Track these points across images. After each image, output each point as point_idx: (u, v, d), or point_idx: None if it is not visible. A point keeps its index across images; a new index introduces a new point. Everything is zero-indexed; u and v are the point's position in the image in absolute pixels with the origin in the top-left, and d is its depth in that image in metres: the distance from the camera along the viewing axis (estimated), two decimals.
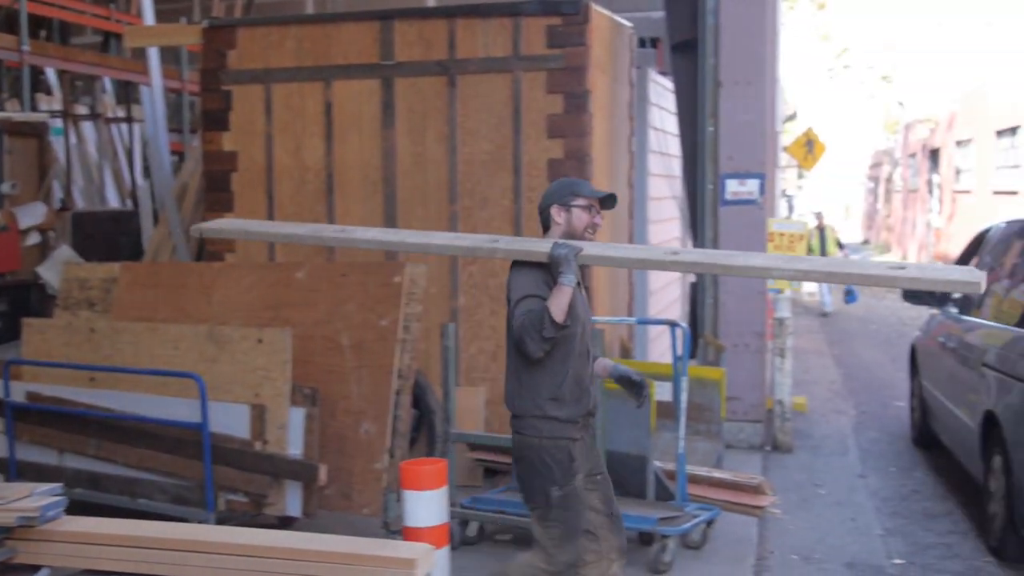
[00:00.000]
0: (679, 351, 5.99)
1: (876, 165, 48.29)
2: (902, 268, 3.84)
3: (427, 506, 4.10)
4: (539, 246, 4.12)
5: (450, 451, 5.99)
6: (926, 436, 8.68)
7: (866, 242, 49.76)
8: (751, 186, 8.39)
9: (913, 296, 8.47)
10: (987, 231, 8.03)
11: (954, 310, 7.87)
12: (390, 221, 7.24)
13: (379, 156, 7.32)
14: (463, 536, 5.95)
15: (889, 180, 43.65)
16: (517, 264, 4.15)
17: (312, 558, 2.67)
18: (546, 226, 4.28)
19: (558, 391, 4.06)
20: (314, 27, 7.52)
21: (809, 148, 19.20)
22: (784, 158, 20.84)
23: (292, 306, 6.04)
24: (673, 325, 6.10)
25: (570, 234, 4.18)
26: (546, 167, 7.07)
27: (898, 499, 7.33)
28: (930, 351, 8.42)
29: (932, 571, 5.86)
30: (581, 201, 4.19)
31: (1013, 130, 25.10)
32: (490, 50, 7.11)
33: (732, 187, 8.41)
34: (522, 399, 4.12)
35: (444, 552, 4.08)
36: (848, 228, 61.20)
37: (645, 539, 5.77)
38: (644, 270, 4.45)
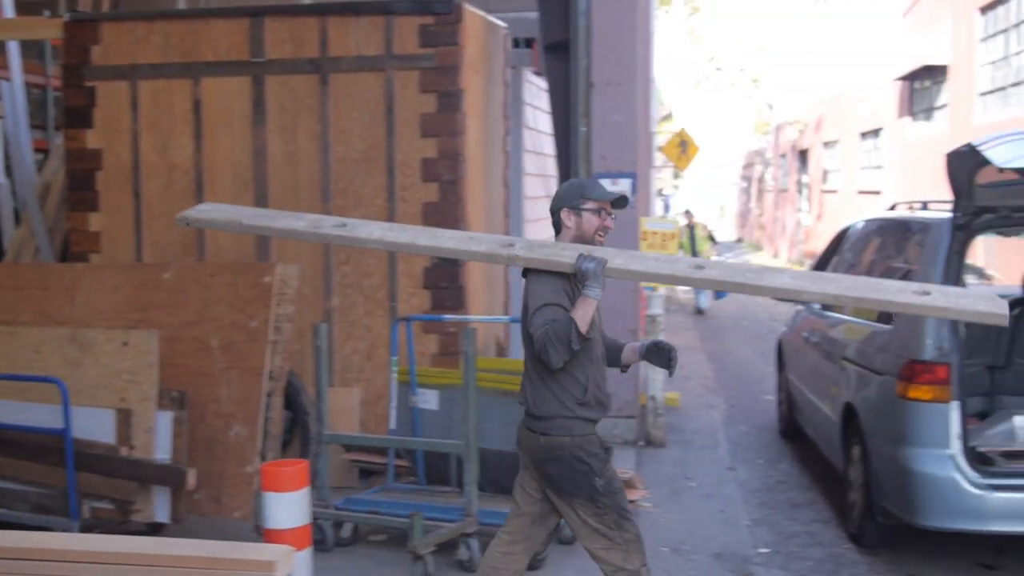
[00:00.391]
0: None
1: (749, 165, 49.59)
2: (927, 294, 3.81)
3: (288, 508, 4.06)
4: (560, 255, 4.02)
5: (323, 452, 5.94)
6: (792, 429, 8.95)
7: (740, 240, 51.08)
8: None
9: None
10: (847, 229, 8.33)
11: (817, 306, 8.13)
12: None
13: (250, 154, 7.22)
14: (337, 538, 5.91)
15: (761, 180, 44.89)
16: (534, 269, 4.11)
17: (168, 563, 2.62)
18: (557, 229, 4.25)
19: (584, 396, 4.09)
20: (182, 23, 7.38)
21: (683, 149, 19.60)
22: (659, 158, 21.22)
23: (159, 308, 5.93)
24: None
25: (581, 238, 4.17)
26: (420, 166, 7.08)
27: (765, 490, 7.54)
28: (795, 346, 8.68)
29: (795, 558, 6.05)
30: (591, 204, 4.17)
31: (876, 132, 26.06)
32: (363, 49, 7.08)
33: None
34: (547, 401, 4.12)
35: (306, 554, 4.05)
36: (722, 227, 62.73)
37: None
38: (669, 284, 4.39)
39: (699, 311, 19.69)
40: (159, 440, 5.47)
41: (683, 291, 22.45)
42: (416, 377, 6.39)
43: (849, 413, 6.48)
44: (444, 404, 6.31)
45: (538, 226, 10.64)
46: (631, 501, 6.03)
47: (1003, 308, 3.70)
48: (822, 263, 8.64)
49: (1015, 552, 6.10)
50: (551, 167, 9.62)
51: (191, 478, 5.37)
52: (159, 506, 5.50)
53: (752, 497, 7.35)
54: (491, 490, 6.03)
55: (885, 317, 6.17)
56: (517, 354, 9.39)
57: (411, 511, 5.41)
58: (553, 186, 9.75)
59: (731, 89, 30.21)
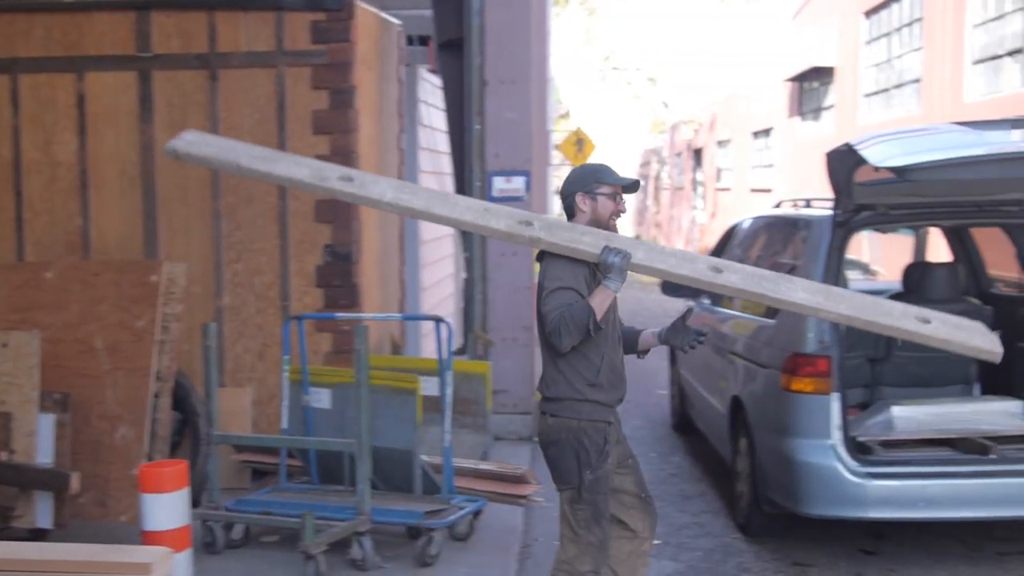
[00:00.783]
0: (444, 347, 6.07)
1: (645, 164, 50.24)
2: (928, 323, 4.00)
3: (166, 509, 4.00)
4: (582, 241, 4.01)
5: (213, 454, 5.86)
6: (684, 422, 9.12)
7: (638, 237, 51.78)
8: (517, 183, 8.58)
9: (671, 289, 8.87)
10: (735, 226, 8.52)
11: (707, 302, 8.30)
12: (149, 218, 7.01)
13: (137, 151, 7.06)
14: (228, 539, 5.83)
15: (657, 178, 45.54)
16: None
17: (41, 568, 2.57)
18: (570, 213, 4.26)
19: (596, 378, 4.11)
20: (64, 15, 7.17)
21: (580, 147, 19.82)
22: (557, 156, 21.38)
23: (41, 308, 5.78)
24: (438, 321, 6.17)
25: (596, 222, 4.19)
26: None
27: (657, 482, 7.67)
28: None
29: (685, 549, 6.17)
30: (606, 189, 4.20)
31: (767, 131, 26.67)
32: (252, 44, 6.99)
33: (499, 184, 8.58)
34: (558, 384, 4.14)
35: (185, 555, 4.00)
36: (621, 224, 63.53)
37: (413, 533, 5.83)
38: (686, 284, 4.33)
39: None
40: (41, 444, 5.34)
41: None
42: (308, 376, 6.33)
43: (736, 406, 6.64)
44: (337, 403, 6.26)
45: (432, 224, 10.65)
46: (523, 496, 6.11)
47: (997, 346, 4.00)
48: (715, 255, 8.82)
49: (893, 537, 6.32)
50: (447, 165, 9.63)
51: (75, 482, 5.24)
52: (41, 511, 5.35)
53: None
54: (384, 488, 6.03)
55: (771, 312, 6.33)
56: (413, 351, 9.40)
57: (303, 511, 5.37)
58: (448, 184, 9.77)
59: (627, 88, 30.58)
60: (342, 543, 5.47)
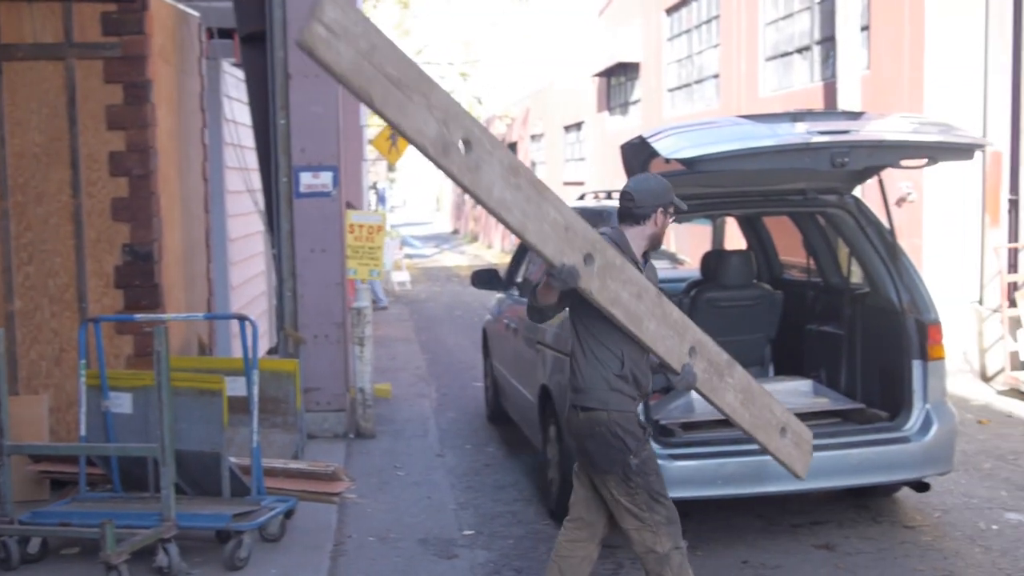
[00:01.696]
0: (249, 345, 5.96)
1: None
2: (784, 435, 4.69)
3: None
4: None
5: (6, 465, 5.59)
6: (498, 413, 9.25)
7: (456, 232, 51.92)
8: (325, 179, 8.49)
9: (480, 282, 8.98)
10: None
11: (516, 293, 8.43)
12: None
13: None
14: (24, 554, 5.57)
15: None
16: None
17: None
18: (635, 219, 4.41)
19: (621, 370, 4.30)
20: None
21: (393, 142, 19.68)
22: (372, 151, 21.23)
23: None
24: (241, 320, 6.05)
25: (656, 236, 4.46)
26: (107, 160, 6.76)
27: (472, 474, 7.75)
28: (498, 333, 8.96)
29: (498, 538, 6.26)
30: (672, 209, 4.47)
31: (579, 125, 27.23)
32: (39, 36, 6.68)
33: (306, 180, 8.47)
34: (584, 374, 4.34)
35: None
36: (440, 220, 63.59)
37: (222, 537, 5.70)
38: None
39: (383, 307, 18.80)
40: None
41: (398, 283, 22.63)
42: (107, 380, 6.11)
43: (545, 395, 6.76)
44: (139, 407, 6.06)
45: (242, 221, 10.44)
46: (335, 494, 6.08)
47: (803, 473, 4.82)
48: (522, 249, 8.96)
49: (695, 516, 6.57)
50: (253, 160, 9.44)
51: None
52: None
53: (459, 482, 7.53)
54: (192, 492, 5.89)
55: None
56: (224, 352, 9.19)
57: (104, 519, 5.18)
58: (255, 180, 9.57)
59: (440, 82, 30.65)
60: (148, 551, 5.31)
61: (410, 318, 18.04)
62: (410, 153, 21.45)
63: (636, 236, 4.46)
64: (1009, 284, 10.37)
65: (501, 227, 34.09)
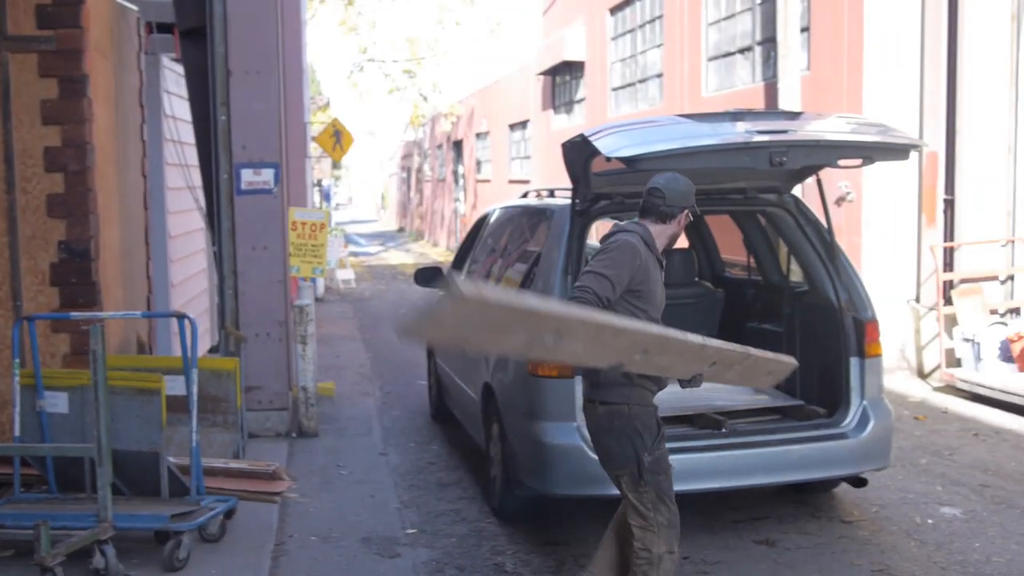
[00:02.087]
0: (188, 343, 5.89)
1: (407, 156, 50.36)
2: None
3: None
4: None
5: None
6: (442, 411, 9.23)
7: (402, 230, 51.79)
8: (266, 175, 8.41)
9: (423, 280, 8.97)
10: (486, 215, 8.67)
11: None
12: None
13: None
14: None
15: (419, 171, 45.73)
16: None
17: None
18: (662, 217, 4.48)
19: None
20: None
21: (337, 139, 19.58)
22: (316, 148, 21.08)
23: None
24: (180, 318, 5.98)
25: (676, 236, 4.60)
26: (42, 156, 6.63)
27: (415, 472, 7.73)
28: None
29: (441, 536, 6.24)
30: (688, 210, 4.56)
31: (524, 124, 27.25)
32: None
33: (247, 176, 8.39)
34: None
35: None
36: (386, 217, 63.34)
37: (161, 538, 5.63)
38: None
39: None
40: None
41: (343, 281, 22.51)
42: (42, 379, 6.00)
43: (488, 393, 6.76)
44: (75, 406, 5.96)
45: (181, 218, 10.31)
46: (276, 493, 6.03)
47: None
48: (465, 248, 8.96)
49: None
50: (193, 157, 9.32)
51: None
52: None
53: (402, 480, 7.51)
54: (130, 493, 5.81)
55: None
56: (164, 350, 9.07)
57: (39, 521, 5.09)
58: (195, 177, 9.46)
59: (385, 80, 30.54)
60: (84, 553, 5.23)
61: (354, 316, 17.95)
62: (356, 150, 21.29)
63: (660, 234, 4.56)
64: (945, 282, 10.57)
65: (447, 225, 34.05)
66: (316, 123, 21.97)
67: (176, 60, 10.24)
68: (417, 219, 46.49)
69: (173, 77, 10.16)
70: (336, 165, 43.54)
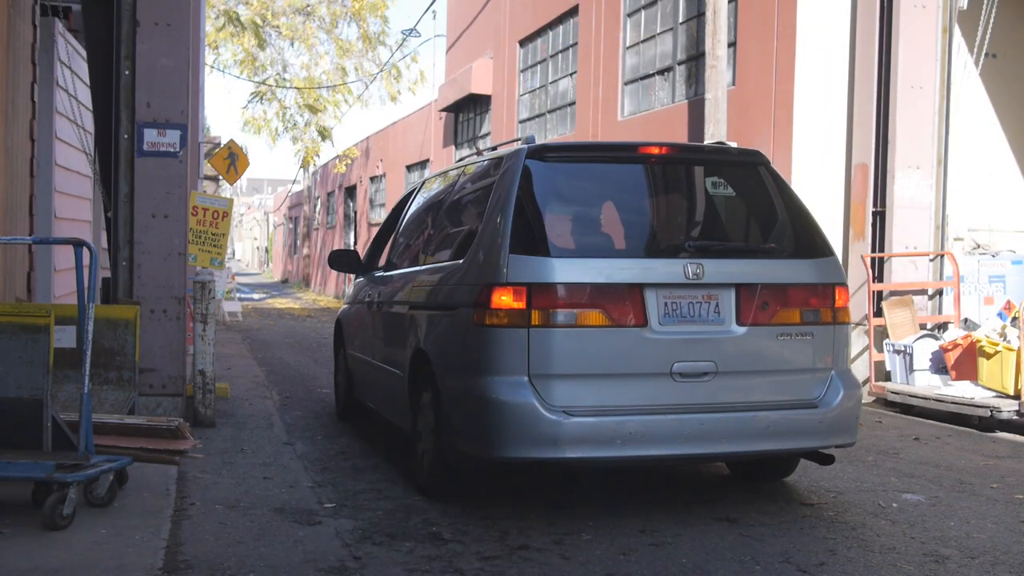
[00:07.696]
0: (86, 275, 5.10)
1: (295, 206, 49.26)
2: None
3: None
4: None
5: None
6: (351, 409, 8.55)
7: (286, 281, 50.39)
8: (172, 137, 7.68)
9: (338, 263, 8.35)
10: (412, 193, 8.16)
11: (379, 274, 7.79)
12: None
13: None
14: None
15: (308, 218, 44.69)
16: None
17: None
18: None
19: None
20: None
21: (232, 161, 18.77)
22: (209, 168, 20.20)
23: None
24: (78, 245, 5.16)
25: None
26: None
27: (326, 459, 6.99)
28: (357, 317, 8.28)
29: (364, 510, 5.53)
30: None
31: (422, 164, 26.78)
32: None
33: (150, 137, 7.64)
34: None
35: None
36: (269, 271, 61.88)
37: (41, 494, 4.83)
38: None
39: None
40: None
41: (228, 312, 21.48)
42: None
43: (419, 361, 6.12)
44: None
45: (72, 181, 9.46)
46: (179, 452, 5.26)
47: None
48: (381, 236, 8.39)
49: (578, 492, 6.04)
50: (89, 120, 8.53)
51: None
52: None
53: (313, 465, 6.76)
54: (5, 447, 4.97)
55: (459, 253, 5.90)
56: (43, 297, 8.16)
57: None
58: (90, 141, 8.66)
59: (283, 114, 29.85)
60: None
61: (243, 342, 17.00)
62: (242, 181, 20.47)
63: None
64: (876, 292, 10.32)
65: (335, 273, 33.08)
66: (207, 143, 21.10)
67: (71, 30, 9.48)
68: (304, 267, 45.36)
69: (64, 44, 9.39)
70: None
